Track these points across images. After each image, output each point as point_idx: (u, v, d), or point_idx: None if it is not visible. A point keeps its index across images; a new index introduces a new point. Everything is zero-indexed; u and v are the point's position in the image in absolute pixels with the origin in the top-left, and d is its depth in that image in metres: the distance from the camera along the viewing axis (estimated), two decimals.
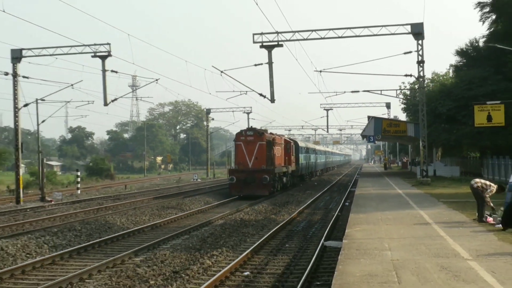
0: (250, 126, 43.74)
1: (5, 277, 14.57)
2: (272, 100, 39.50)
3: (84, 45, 39.12)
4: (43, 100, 44.10)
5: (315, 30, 38.77)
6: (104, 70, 39.33)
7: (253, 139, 39.76)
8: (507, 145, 38.67)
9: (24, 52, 39.79)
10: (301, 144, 62.02)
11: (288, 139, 53.74)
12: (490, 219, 17.64)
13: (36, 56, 40.13)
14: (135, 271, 14.59)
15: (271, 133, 44.94)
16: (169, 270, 14.67)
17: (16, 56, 39.45)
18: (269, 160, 40.50)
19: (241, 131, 41.56)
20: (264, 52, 38.17)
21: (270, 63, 38.14)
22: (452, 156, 67.77)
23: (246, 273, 14.62)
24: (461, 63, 55.06)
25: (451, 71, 61.74)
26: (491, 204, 18.06)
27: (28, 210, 33.18)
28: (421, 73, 41.00)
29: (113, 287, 12.88)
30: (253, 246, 17.78)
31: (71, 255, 17.75)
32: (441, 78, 63.83)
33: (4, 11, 28.58)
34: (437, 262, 11.59)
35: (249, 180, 38.57)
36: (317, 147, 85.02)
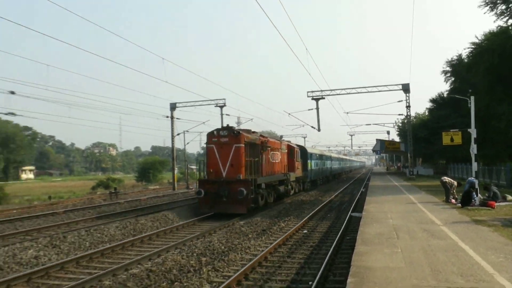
0: (226, 125, 21.63)
1: (167, 232, 14.98)
2: (319, 129, 39.39)
3: (210, 99, 40.11)
4: (187, 131, 44.98)
5: (344, 89, 38.71)
6: (221, 114, 40.15)
7: (228, 140, 19.64)
8: (463, 156, 37.40)
9: (177, 104, 41.02)
10: (311, 150, 39.13)
11: (292, 145, 30.52)
12: (453, 201, 17.07)
13: (183, 106, 41.20)
14: (240, 229, 14.74)
15: (261, 136, 22.97)
16: (260, 229, 14.73)
17: (173, 106, 40.70)
18: (250, 167, 19.82)
19: (213, 131, 20.31)
20: (314, 102, 38.27)
21: (317, 108, 38.10)
22: (428, 162, 65.84)
23: (305, 231, 14.54)
24: (433, 107, 53.90)
25: (427, 111, 60.53)
26: (455, 195, 17.59)
27: (179, 194, 33.97)
28: (408, 113, 40.22)
29: (228, 238, 13.02)
30: (308, 215, 17.68)
31: (204, 220, 18.08)
32: (420, 115, 62.93)
33: (167, 82, 29.67)
34: (421, 226, 11.26)
35: (222, 193, 18.88)
36: (334, 155, 62.19)
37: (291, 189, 27.36)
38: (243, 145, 19.21)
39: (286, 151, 27.25)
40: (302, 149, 34.64)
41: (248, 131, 21.60)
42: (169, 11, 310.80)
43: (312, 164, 37.20)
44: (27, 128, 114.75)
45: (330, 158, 53.13)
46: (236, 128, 21.53)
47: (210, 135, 19.90)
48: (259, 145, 21.09)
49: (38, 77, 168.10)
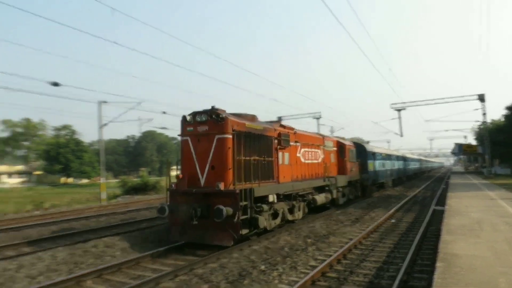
0: (212, 107, 9.05)
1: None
2: (401, 135, 37.24)
3: (309, 113, 40.20)
4: None
5: (423, 100, 36.18)
6: (318, 124, 39.94)
7: (208, 129, 8.97)
8: None
9: (282, 117, 41.60)
10: (372, 149, 26.03)
11: (343, 142, 18.73)
12: None
13: (288, 118, 41.75)
14: (337, 218, 14.39)
15: (282, 125, 11.99)
16: (353, 218, 14.24)
17: (279, 119, 41.42)
18: (246, 170, 9.11)
19: (187, 115, 9.55)
20: (396, 112, 36.26)
21: (399, 117, 36.17)
22: (505, 163, 58.51)
23: (392, 221, 13.72)
24: (509, 113, 47.96)
25: (503, 117, 54.02)
26: None
27: None
28: (485, 119, 36.47)
29: (328, 224, 12.80)
30: (395, 207, 16.66)
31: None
32: (496, 121, 56.62)
33: (275, 100, 30.16)
34: (502, 220, 10.01)
35: (198, 212, 8.61)
36: (409, 155, 49.93)
37: (341, 196, 17.45)
38: (230, 136, 9.33)
39: (335, 149, 17.62)
40: (360, 147, 22.91)
41: (247, 117, 10.77)
42: (286, 43, 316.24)
43: (376, 165, 25.72)
44: (174, 138, 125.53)
45: (402, 158, 39.88)
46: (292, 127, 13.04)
47: (184, 121, 9.91)
48: (270, 138, 11.07)
49: (182, 100, 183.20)
